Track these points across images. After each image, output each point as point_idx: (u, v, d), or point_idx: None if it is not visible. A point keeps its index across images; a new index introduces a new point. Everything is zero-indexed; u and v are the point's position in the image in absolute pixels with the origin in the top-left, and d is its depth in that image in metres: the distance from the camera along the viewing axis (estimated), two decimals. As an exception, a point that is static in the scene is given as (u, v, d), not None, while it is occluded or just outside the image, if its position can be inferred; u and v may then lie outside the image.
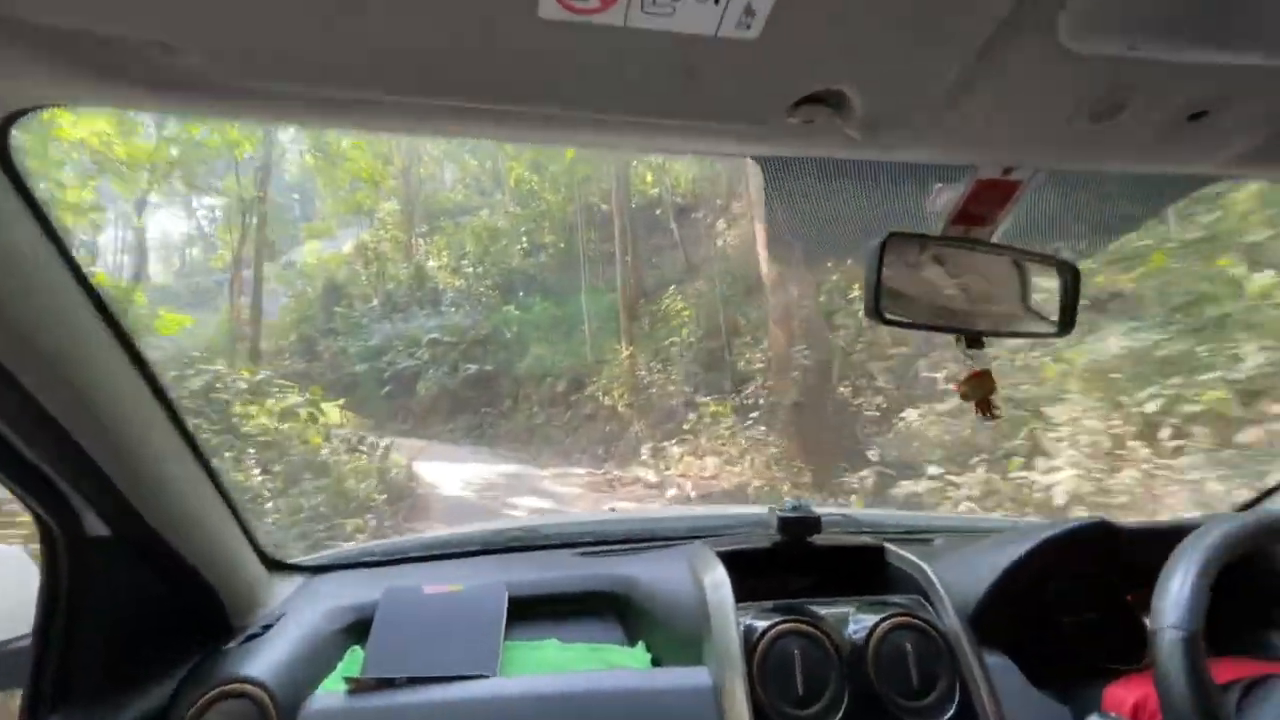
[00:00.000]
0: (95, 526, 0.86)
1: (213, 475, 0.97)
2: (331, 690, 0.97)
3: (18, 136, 0.50)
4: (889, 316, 0.72)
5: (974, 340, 0.78)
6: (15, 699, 0.95)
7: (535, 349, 13.75)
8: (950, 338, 0.82)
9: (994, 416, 0.83)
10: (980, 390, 0.81)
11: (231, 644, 1.00)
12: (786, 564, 1.25)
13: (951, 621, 1.04)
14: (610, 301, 13.19)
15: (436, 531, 1.94)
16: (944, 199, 0.73)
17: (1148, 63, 0.48)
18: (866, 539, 1.31)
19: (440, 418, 14.18)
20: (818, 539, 1.23)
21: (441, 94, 0.46)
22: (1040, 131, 0.58)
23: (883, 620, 1.01)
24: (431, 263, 17.41)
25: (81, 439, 0.73)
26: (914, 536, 1.48)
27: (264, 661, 0.96)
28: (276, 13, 0.38)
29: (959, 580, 1.12)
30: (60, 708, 0.85)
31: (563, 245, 15.57)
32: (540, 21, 0.39)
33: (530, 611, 1.17)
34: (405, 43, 0.41)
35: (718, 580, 1.07)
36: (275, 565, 1.22)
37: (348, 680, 0.98)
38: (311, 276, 18.64)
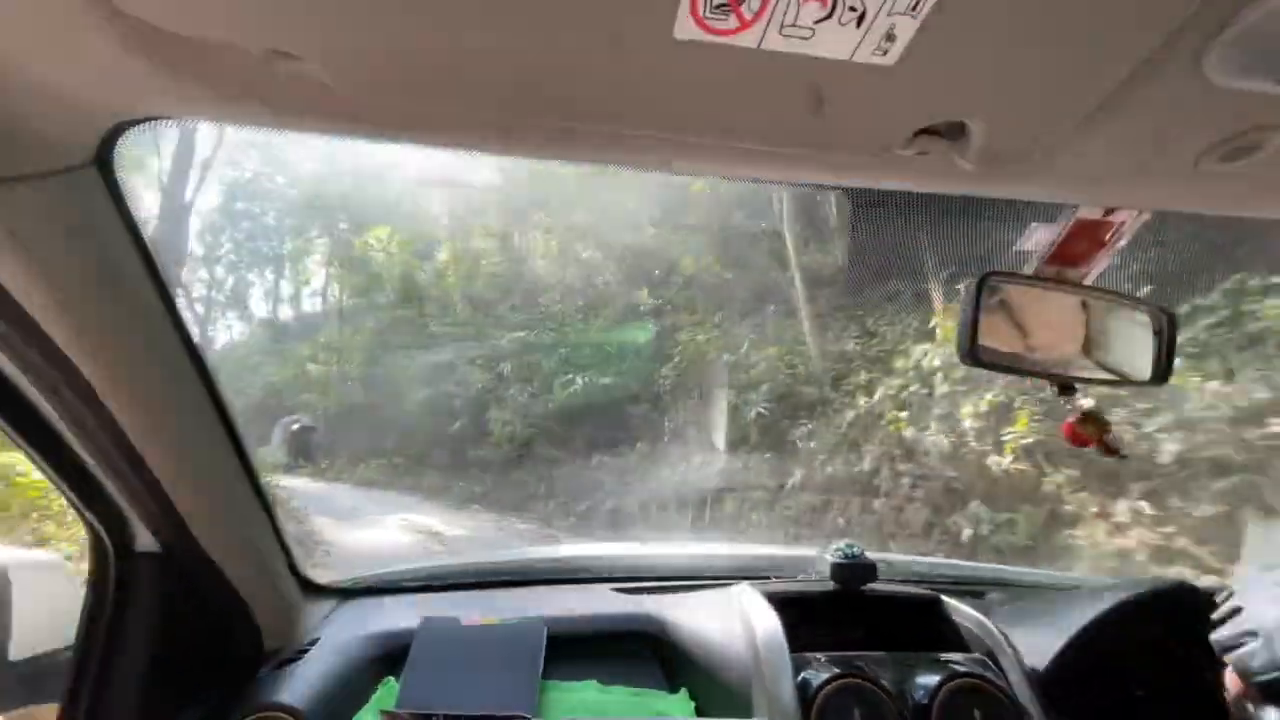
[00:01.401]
0: (146, 542, 0.84)
1: (261, 495, 0.96)
2: None
3: (123, 150, 0.50)
4: (984, 359, 0.68)
5: (1066, 387, 0.74)
6: (42, 711, 0.93)
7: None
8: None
9: (1121, 455, 0.78)
10: (1094, 429, 0.76)
11: (266, 669, 0.97)
12: (837, 611, 1.19)
13: (1020, 686, 0.97)
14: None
15: (471, 556, 1.90)
16: (1038, 238, 0.70)
17: None
18: (922, 590, 1.25)
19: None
20: (870, 587, 1.18)
21: (567, 116, 0.45)
22: (1164, 172, 0.55)
23: (948, 680, 0.95)
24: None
25: (146, 452, 0.72)
26: (965, 588, 1.41)
27: (298, 689, 0.93)
28: (405, 24, 0.37)
29: (1024, 640, 1.06)
30: None
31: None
32: (673, 42, 0.38)
33: (566, 649, 1.13)
34: (534, 59, 0.40)
35: (770, 627, 1.02)
36: (309, 587, 1.19)
37: (382, 713, 0.94)
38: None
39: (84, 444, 0.71)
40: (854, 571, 1.17)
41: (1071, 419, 0.79)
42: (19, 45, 0.40)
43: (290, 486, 10.67)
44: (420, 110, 0.45)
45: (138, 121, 0.49)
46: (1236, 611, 0.76)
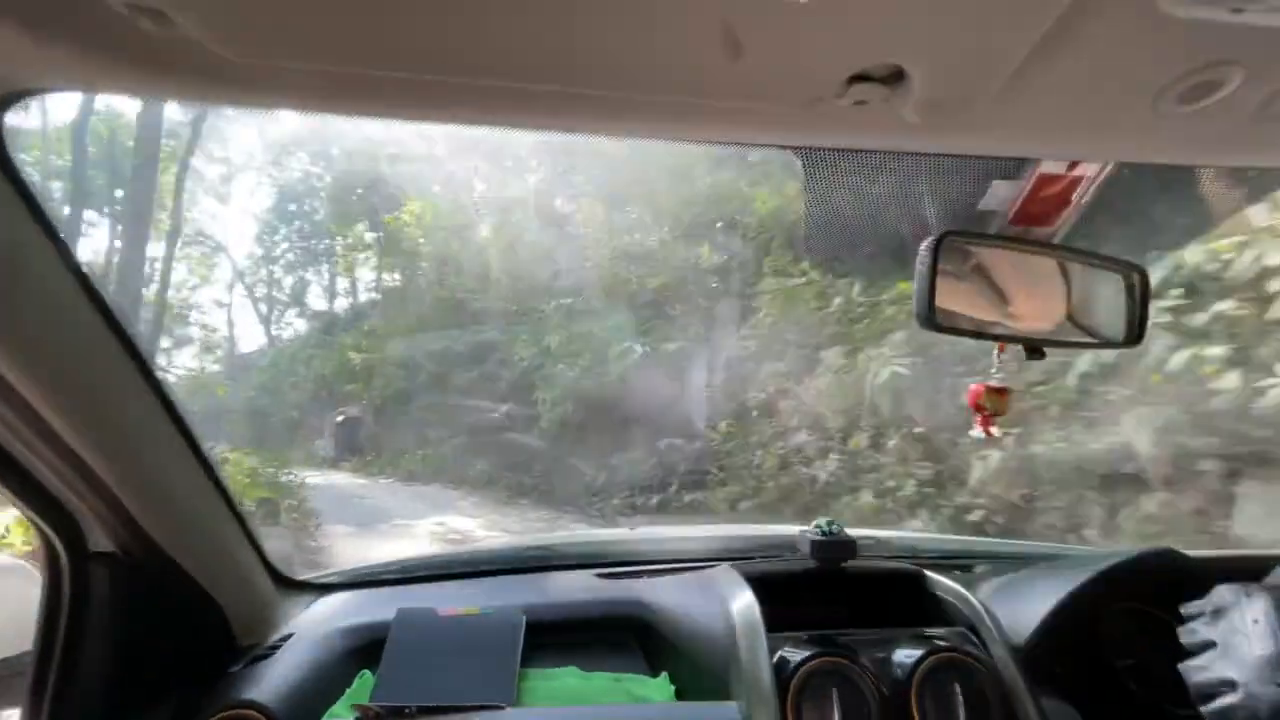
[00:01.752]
0: (100, 542, 0.82)
1: (223, 491, 0.94)
2: (338, 717, 0.92)
3: (10, 124, 0.47)
4: (943, 323, 0.66)
5: (1034, 350, 0.72)
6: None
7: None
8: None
9: (991, 437, 0.76)
10: (994, 406, 0.74)
11: (238, 665, 0.96)
12: (818, 590, 1.18)
13: (1002, 659, 0.96)
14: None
15: (449, 549, 1.89)
16: (1001, 196, 0.67)
17: (1256, 30, 0.42)
18: (904, 565, 1.23)
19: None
20: (852, 564, 1.16)
21: (463, 73, 0.42)
22: (1121, 117, 0.52)
23: (927, 656, 0.94)
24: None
25: (85, 452, 0.70)
26: (952, 562, 1.40)
27: (270, 685, 0.91)
28: None
29: (1008, 612, 1.04)
30: None
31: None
32: None
33: (547, 637, 1.11)
34: (424, 14, 0.37)
35: (746, 607, 1.01)
36: (285, 582, 1.18)
37: (355, 707, 0.93)
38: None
39: (19, 448, 0.68)
40: (833, 549, 1.15)
41: (985, 384, 0.77)
42: None
43: (325, 484, 10.26)
44: (316, 73, 0.42)
45: (19, 95, 0.46)
46: (1210, 646, 0.73)
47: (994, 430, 0.76)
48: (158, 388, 0.78)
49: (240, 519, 1.00)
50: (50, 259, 0.61)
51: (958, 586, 1.11)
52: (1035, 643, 0.98)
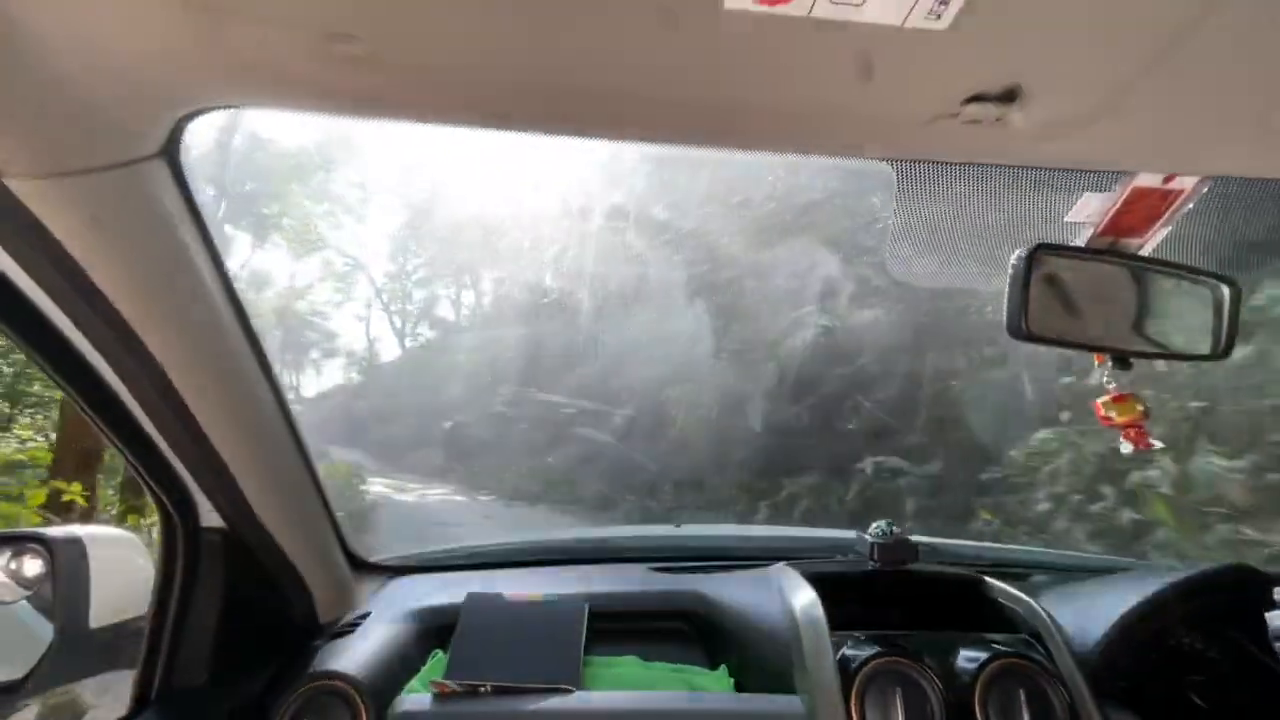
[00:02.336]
0: (211, 518, 0.89)
1: (314, 475, 1.00)
2: (418, 693, 0.97)
3: (190, 140, 0.53)
4: (1034, 333, 0.67)
5: (1121, 361, 0.72)
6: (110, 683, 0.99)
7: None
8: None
9: (1148, 446, 0.75)
10: (1127, 414, 0.74)
11: (321, 640, 1.02)
12: (877, 593, 1.19)
13: (1068, 668, 0.96)
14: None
15: (511, 538, 1.94)
16: (1092, 208, 0.68)
17: None
18: (965, 570, 1.24)
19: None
20: (913, 567, 1.17)
21: (615, 95, 0.45)
22: (1232, 131, 0.53)
23: (991, 661, 0.94)
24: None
25: (210, 433, 0.76)
26: (1009, 571, 1.39)
27: (353, 659, 0.97)
28: (456, 3, 0.38)
29: (1071, 622, 1.04)
30: (167, 691, 0.89)
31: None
32: (723, 13, 0.38)
33: (607, 625, 1.15)
34: (581, 35, 0.40)
35: (809, 605, 1.03)
36: (360, 564, 1.24)
37: (433, 684, 0.98)
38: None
39: (153, 423, 0.75)
40: (895, 551, 1.16)
41: (1104, 399, 0.77)
42: (96, 36, 0.43)
43: (408, 501, 9.97)
44: (475, 92, 0.46)
45: (204, 110, 0.51)
46: None
47: (1149, 440, 0.75)
48: (272, 380, 0.84)
49: (326, 504, 1.06)
50: (201, 259, 0.67)
51: (1020, 594, 1.11)
52: (1103, 653, 0.97)
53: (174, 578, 0.89)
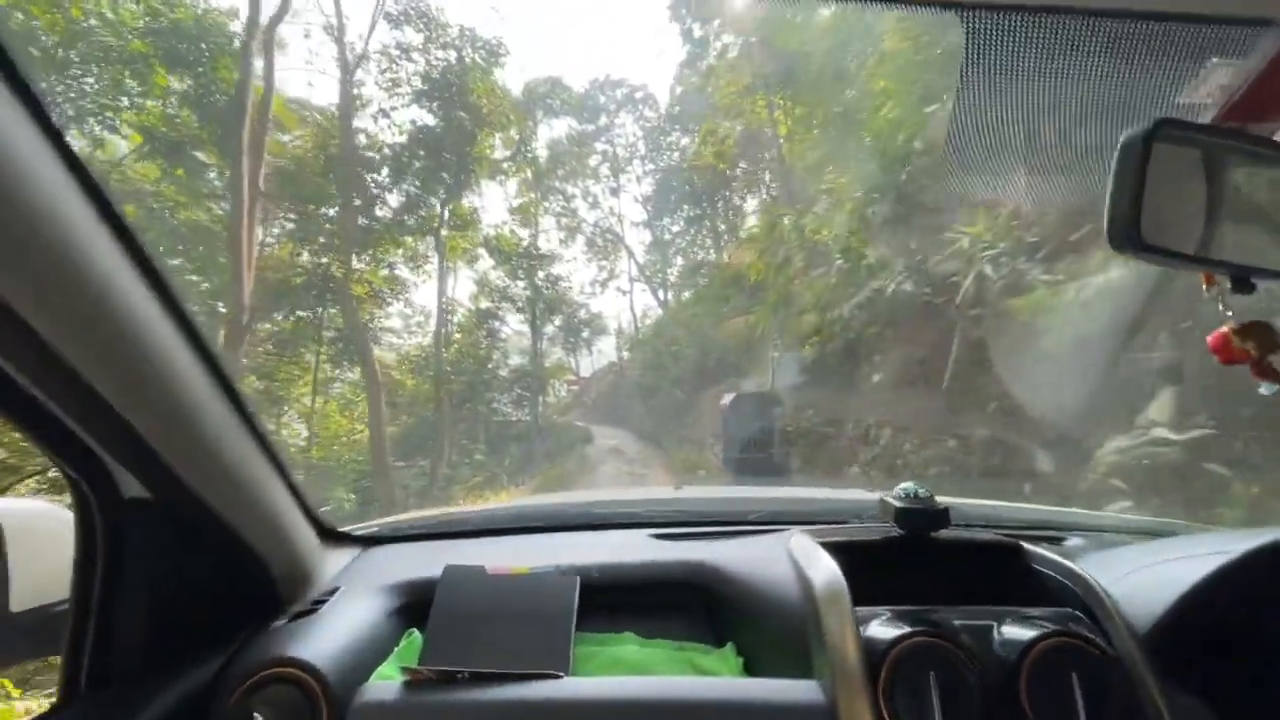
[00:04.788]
0: (133, 487, 0.77)
1: (262, 439, 0.87)
2: (387, 679, 0.87)
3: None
4: (1150, 243, 0.52)
5: (1243, 283, 0.57)
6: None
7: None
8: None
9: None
10: (1256, 345, 0.59)
11: (281, 621, 0.91)
12: (901, 561, 1.08)
13: (1125, 647, 0.85)
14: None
15: (498, 503, 1.85)
16: (1215, 81, 0.52)
17: None
18: (997, 535, 1.12)
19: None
20: (943, 534, 1.06)
21: None
22: None
23: (1040, 640, 0.83)
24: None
25: (117, 401, 0.63)
26: (1041, 533, 1.28)
27: (315, 642, 0.86)
28: None
29: (1123, 594, 0.93)
30: (99, 680, 0.78)
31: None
32: None
33: (602, 599, 1.05)
34: None
35: (829, 577, 0.91)
36: (329, 535, 1.13)
37: (405, 670, 0.87)
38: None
39: (41, 392, 0.62)
40: (923, 517, 1.05)
41: (1227, 327, 0.62)
42: None
43: None
44: None
45: None
46: None
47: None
48: (199, 341, 0.72)
49: (282, 470, 0.94)
50: (73, 203, 0.53)
51: (1066, 561, 1.00)
52: (1164, 629, 0.87)
53: (95, 555, 0.77)
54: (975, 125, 0.56)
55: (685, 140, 21.56)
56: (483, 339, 19.22)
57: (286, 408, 15.75)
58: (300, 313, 15.41)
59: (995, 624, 0.89)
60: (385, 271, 17.31)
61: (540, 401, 20.55)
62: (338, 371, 16.71)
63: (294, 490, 1.00)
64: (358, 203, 16.01)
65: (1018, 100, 0.55)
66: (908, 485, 1.09)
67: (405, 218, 17.34)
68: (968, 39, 0.49)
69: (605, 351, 24.56)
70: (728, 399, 10.35)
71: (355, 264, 15.09)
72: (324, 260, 15.28)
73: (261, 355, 14.48)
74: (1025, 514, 1.53)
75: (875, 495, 1.48)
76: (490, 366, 18.80)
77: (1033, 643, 0.83)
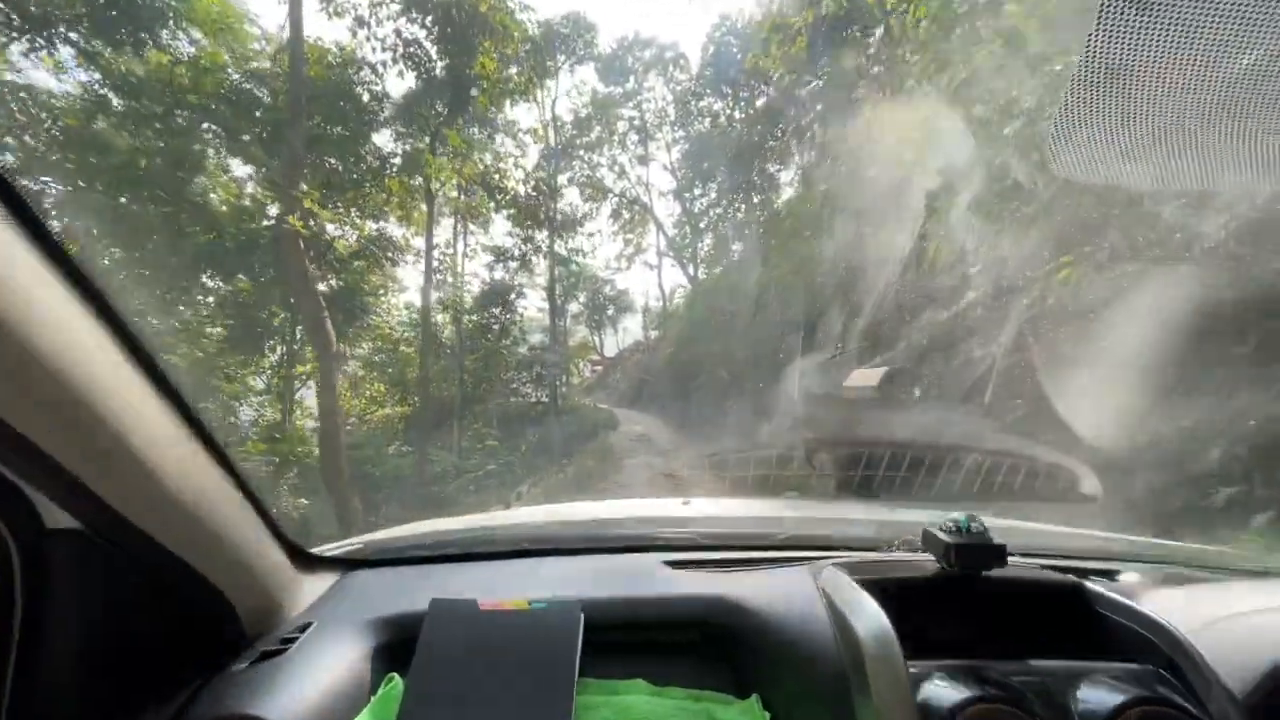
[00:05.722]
0: (59, 518, 0.70)
1: (221, 456, 0.80)
2: None
3: None
4: None
5: None
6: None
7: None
8: None
9: None
10: None
11: (241, 665, 0.84)
12: (946, 598, 0.98)
13: (1224, 713, 0.74)
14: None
15: (495, 516, 1.76)
16: None
17: None
18: (1057, 575, 1.02)
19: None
20: (998, 573, 0.96)
21: None
22: None
23: (1128, 707, 0.73)
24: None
25: (30, 431, 0.57)
26: (1090, 564, 1.17)
27: (278, 693, 0.80)
28: None
29: (1210, 647, 0.83)
30: None
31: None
32: None
33: (609, 637, 0.97)
34: None
35: (877, 628, 0.82)
36: (303, 559, 1.07)
37: None
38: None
39: None
40: (980, 555, 0.95)
41: None
42: None
43: None
44: None
45: None
46: None
47: None
48: (140, 352, 0.66)
49: (245, 488, 0.88)
50: None
51: (1140, 608, 0.89)
52: (1267, 694, 0.76)
53: (11, 596, 0.70)
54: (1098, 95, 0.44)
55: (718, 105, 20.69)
56: (497, 313, 18.15)
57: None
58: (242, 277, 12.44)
59: (1070, 683, 0.79)
60: (370, 224, 14.58)
61: (562, 382, 20.03)
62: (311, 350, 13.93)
63: (261, 511, 0.93)
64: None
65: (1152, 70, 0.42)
66: (958, 516, 0.99)
67: (394, 152, 14.67)
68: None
69: (631, 330, 24.13)
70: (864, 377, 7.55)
71: (309, 205, 11.35)
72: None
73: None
74: (1070, 540, 1.41)
75: (901, 515, 1.38)
76: (507, 343, 18.01)
77: (1119, 710, 0.73)
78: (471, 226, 18.96)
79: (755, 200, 18.37)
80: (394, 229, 15.29)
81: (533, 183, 18.71)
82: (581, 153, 20.93)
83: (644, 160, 22.16)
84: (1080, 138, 0.54)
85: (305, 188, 11.40)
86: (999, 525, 1.51)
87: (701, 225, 21.40)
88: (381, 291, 15.50)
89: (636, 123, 21.68)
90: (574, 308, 21.93)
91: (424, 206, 15.41)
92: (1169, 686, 0.79)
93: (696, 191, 21.52)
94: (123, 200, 10.29)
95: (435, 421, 15.20)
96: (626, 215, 22.39)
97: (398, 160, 14.81)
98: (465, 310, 17.53)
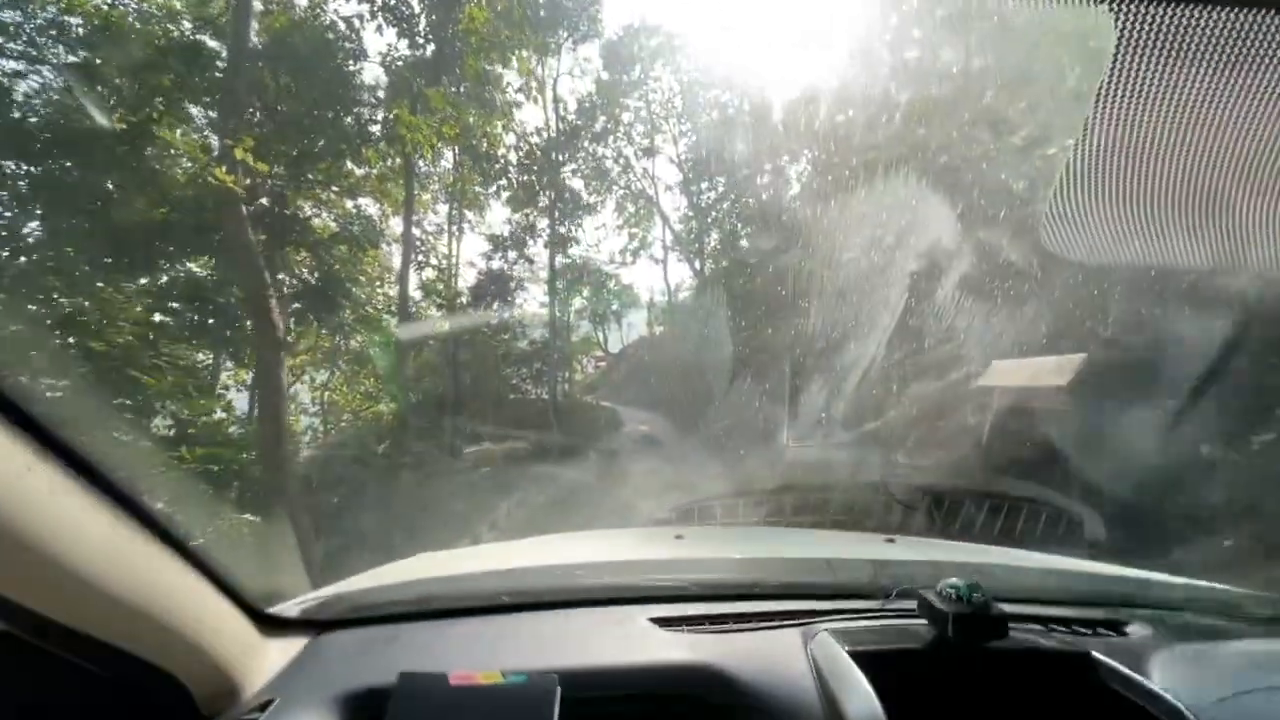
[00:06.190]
0: None
1: (154, 526, 0.76)
2: None
3: None
4: None
5: None
6: None
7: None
8: None
9: None
10: None
11: None
12: (949, 674, 0.95)
13: None
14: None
15: (479, 553, 1.73)
16: None
17: None
18: (1063, 645, 0.99)
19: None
20: (999, 645, 0.93)
21: None
22: None
23: None
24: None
25: None
26: (1095, 615, 1.15)
27: None
28: None
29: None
30: None
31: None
32: None
33: (588, 710, 0.93)
34: None
35: (867, 712, 0.79)
36: (267, 622, 1.04)
37: None
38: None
39: None
40: (981, 626, 0.92)
41: None
42: None
43: None
44: None
45: None
46: None
47: None
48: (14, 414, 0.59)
49: (188, 554, 0.84)
50: None
51: (1156, 688, 0.86)
52: None
53: None
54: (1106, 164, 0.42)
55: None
56: (493, 304, 17.25)
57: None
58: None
59: None
60: (349, 203, 12.97)
61: (564, 379, 19.72)
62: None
63: (211, 575, 0.89)
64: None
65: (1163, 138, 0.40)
66: (955, 583, 0.96)
67: (371, 119, 12.89)
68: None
69: (636, 325, 23.81)
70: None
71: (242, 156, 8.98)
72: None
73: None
74: (1068, 582, 1.38)
75: (896, 554, 1.35)
76: (505, 337, 17.56)
77: None
78: (468, 214, 18.05)
79: (763, 194, 18.16)
80: (375, 209, 13.77)
81: (526, 149, 17.74)
82: (586, 143, 20.58)
83: (650, 152, 21.89)
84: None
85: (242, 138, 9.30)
86: (998, 565, 1.48)
87: (709, 219, 21.17)
88: (363, 279, 13.95)
89: (642, 113, 21.40)
90: (577, 303, 21.69)
91: (406, 184, 14.08)
92: None
93: (704, 185, 21.28)
94: (51, 165, 8.69)
95: (426, 420, 14.58)
96: (631, 208, 22.15)
97: (376, 128, 13.06)
98: (457, 299, 16.74)
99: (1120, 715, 0.90)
